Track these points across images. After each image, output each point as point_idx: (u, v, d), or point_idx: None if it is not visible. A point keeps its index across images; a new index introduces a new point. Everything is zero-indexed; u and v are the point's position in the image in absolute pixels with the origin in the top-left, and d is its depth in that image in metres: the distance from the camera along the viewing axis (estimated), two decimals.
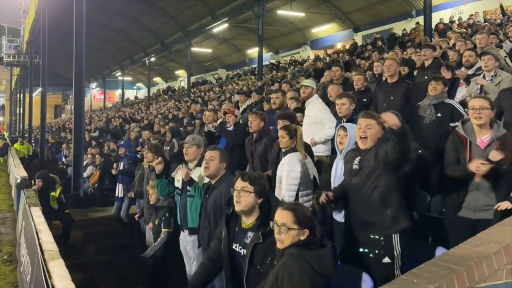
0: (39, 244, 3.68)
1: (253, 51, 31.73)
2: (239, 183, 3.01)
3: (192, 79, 33.26)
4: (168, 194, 5.00)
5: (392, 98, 5.49)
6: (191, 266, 4.49)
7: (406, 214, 3.44)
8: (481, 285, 2.24)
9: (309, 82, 6.03)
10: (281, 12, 25.36)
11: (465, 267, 2.22)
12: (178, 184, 4.62)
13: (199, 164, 4.43)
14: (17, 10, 38.32)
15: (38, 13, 19.70)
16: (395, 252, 3.32)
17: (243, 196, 2.96)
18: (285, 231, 2.50)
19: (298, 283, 2.37)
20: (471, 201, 3.53)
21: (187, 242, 4.49)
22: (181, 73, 43.48)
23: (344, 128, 3.91)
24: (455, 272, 2.19)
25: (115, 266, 6.80)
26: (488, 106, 3.54)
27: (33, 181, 7.82)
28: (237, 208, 3.01)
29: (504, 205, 3.17)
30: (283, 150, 4.44)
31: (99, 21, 31.00)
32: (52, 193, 7.66)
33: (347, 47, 20.04)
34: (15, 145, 20.50)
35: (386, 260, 3.32)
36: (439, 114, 4.86)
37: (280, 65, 24.91)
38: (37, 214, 4.88)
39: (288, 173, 4.24)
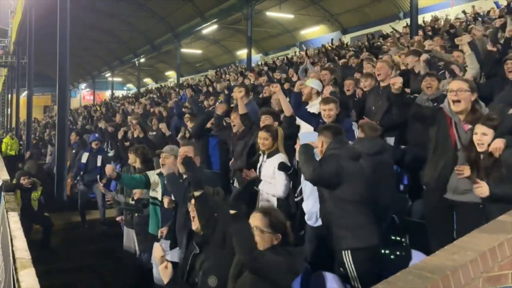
0: (12, 251, 3.59)
1: (242, 53, 31.59)
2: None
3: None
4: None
5: (380, 102, 5.30)
6: None
7: (363, 231, 3.22)
8: None
9: (310, 82, 5.46)
10: (270, 13, 25.34)
11: (441, 275, 2.16)
12: (156, 194, 4.37)
13: None
14: (6, 10, 37.79)
15: (24, 13, 19.43)
16: (346, 266, 3.21)
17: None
18: (259, 233, 2.53)
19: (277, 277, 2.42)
20: (450, 183, 3.42)
21: (171, 252, 4.29)
22: (171, 74, 43.26)
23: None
24: (430, 280, 2.14)
25: (98, 271, 6.70)
26: (467, 89, 3.36)
27: (15, 180, 7.63)
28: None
29: (481, 187, 2.98)
30: (267, 152, 4.33)
31: (88, 22, 30.75)
32: (34, 193, 7.54)
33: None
34: (5, 140, 18.99)
35: (341, 270, 3.26)
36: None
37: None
38: (14, 219, 4.76)
39: (280, 174, 4.18)
